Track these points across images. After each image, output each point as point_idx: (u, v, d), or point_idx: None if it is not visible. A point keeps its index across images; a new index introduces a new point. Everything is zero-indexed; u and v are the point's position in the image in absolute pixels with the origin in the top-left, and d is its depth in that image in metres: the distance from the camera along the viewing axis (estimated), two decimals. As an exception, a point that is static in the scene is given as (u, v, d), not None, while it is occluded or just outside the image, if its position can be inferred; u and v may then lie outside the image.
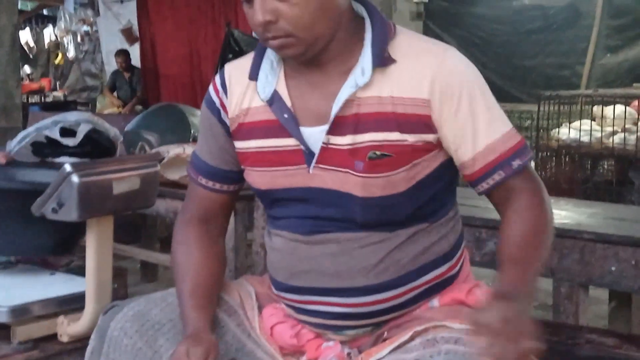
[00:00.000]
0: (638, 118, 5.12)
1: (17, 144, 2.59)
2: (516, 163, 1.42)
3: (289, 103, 1.44)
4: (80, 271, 2.18)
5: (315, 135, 1.42)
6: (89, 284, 2.06)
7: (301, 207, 1.47)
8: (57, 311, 2.11)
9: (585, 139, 5.21)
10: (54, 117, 3.13)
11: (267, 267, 1.59)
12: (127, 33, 10.65)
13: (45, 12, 14.10)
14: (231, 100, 1.52)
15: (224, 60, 6.71)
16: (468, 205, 2.58)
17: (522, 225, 1.41)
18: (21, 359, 2.04)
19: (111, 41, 11.05)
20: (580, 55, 7.73)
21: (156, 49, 9.74)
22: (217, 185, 1.59)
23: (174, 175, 3.31)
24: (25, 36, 14.00)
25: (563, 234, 2.41)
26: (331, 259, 1.45)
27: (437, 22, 8.52)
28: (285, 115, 1.44)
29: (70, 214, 1.95)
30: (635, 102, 5.37)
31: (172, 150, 3.37)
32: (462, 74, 1.42)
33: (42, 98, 12.80)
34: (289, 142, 1.45)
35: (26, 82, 13.10)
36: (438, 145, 1.43)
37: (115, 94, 9.82)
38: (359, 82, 1.39)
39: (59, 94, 13.05)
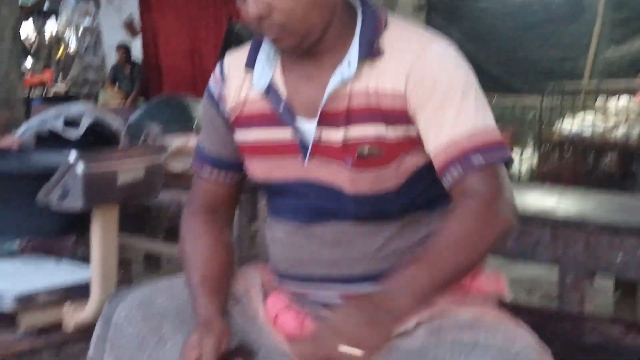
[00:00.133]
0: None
1: (22, 134, 2.60)
2: (476, 159, 1.33)
3: (284, 94, 1.44)
4: (85, 260, 2.19)
5: (310, 128, 1.42)
6: (94, 272, 2.06)
7: (298, 198, 1.47)
8: (63, 300, 2.12)
9: (588, 131, 5.21)
10: (57, 109, 3.15)
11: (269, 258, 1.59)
12: (129, 26, 10.65)
13: (45, 7, 14.10)
14: (230, 91, 1.51)
15: (225, 53, 6.70)
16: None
17: (454, 231, 1.32)
18: (26, 347, 2.04)
19: (112, 35, 11.05)
20: (583, 48, 7.70)
21: (158, 42, 9.75)
22: (221, 176, 1.58)
23: (177, 166, 3.30)
24: (27, 31, 13.98)
25: (568, 224, 2.40)
26: (329, 248, 1.45)
27: (440, 15, 8.50)
28: (281, 107, 1.43)
29: (75, 202, 1.96)
30: (640, 94, 5.38)
31: (176, 142, 3.36)
32: (440, 67, 1.37)
33: (44, 92, 12.79)
34: (285, 135, 1.44)
35: (28, 76, 13.08)
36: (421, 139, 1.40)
37: (116, 87, 9.84)
38: (345, 74, 1.38)
39: (60, 88, 13.04)
